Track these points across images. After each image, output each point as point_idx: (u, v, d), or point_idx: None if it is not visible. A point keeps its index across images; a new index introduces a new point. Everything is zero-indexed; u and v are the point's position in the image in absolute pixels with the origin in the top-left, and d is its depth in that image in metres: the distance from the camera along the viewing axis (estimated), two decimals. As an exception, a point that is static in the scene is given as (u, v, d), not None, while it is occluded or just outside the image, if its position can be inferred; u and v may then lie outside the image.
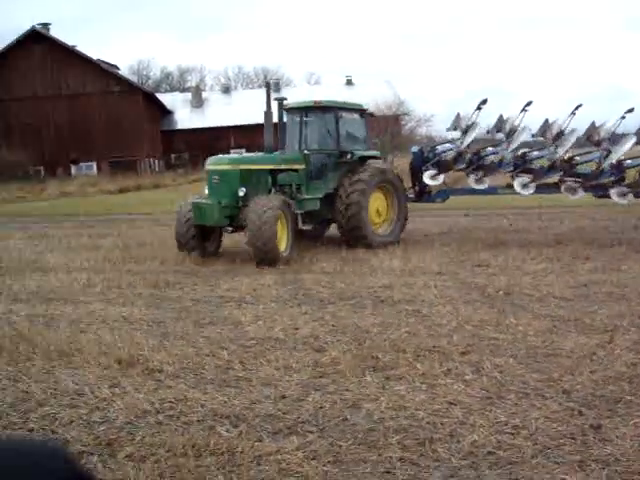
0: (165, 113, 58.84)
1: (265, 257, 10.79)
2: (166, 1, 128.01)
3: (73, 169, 49.46)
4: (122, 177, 42.34)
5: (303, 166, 12.67)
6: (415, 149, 14.80)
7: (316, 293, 8.83)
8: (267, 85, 13.79)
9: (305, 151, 12.91)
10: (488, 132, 13.90)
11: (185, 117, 59.53)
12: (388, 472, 3.90)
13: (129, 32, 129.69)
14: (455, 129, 14.35)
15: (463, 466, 3.94)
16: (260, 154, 12.93)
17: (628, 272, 9.53)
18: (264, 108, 12.77)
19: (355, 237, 12.74)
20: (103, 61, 52.54)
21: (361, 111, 14.28)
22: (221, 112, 56.75)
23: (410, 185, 14.34)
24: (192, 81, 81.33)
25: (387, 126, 37.51)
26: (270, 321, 7.35)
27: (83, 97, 49.51)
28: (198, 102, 61.77)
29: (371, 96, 47.15)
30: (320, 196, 12.75)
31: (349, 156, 13.09)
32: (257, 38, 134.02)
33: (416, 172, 14.26)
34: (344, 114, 13.55)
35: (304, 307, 8.06)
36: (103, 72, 50.69)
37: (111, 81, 50.68)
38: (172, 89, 77.97)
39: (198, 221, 11.60)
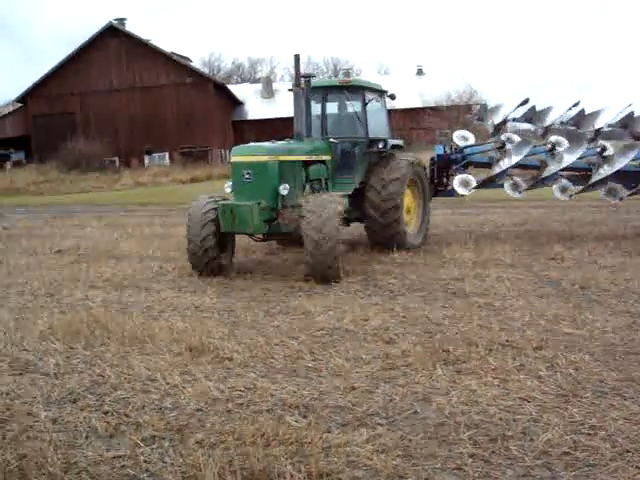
0: (236, 104, 59.54)
1: (325, 274, 8.86)
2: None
3: (146, 159, 50.64)
4: (193, 167, 43.22)
5: (329, 157, 10.73)
6: (440, 150, 13.11)
7: (386, 284, 8.76)
8: (296, 58, 10.38)
9: (331, 139, 10.97)
10: (514, 120, 12.69)
11: (256, 108, 60.08)
12: (459, 468, 3.82)
13: (201, 24, 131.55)
14: (480, 120, 13.36)
15: (537, 466, 3.82)
16: (292, 142, 10.39)
17: None
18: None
19: (391, 236, 10.95)
20: (176, 54, 53.54)
21: (380, 92, 12.12)
22: (291, 102, 56.92)
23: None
24: (262, 72, 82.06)
25: (458, 116, 36.97)
26: (340, 312, 7.32)
27: (156, 89, 50.60)
28: (269, 93, 62.24)
29: (442, 86, 46.65)
30: (350, 192, 10.70)
31: (381, 145, 11.29)
32: (328, 28, 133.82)
33: (437, 170, 13.01)
34: (371, 96, 11.52)
35: (374, 298, 8.01)
36: (176, 64, 51.65)
37: (183, 73, 51.57)
38: (243, 80, 78.82)
39: (229, 228, 9.32)
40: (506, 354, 5.70)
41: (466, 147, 12.93)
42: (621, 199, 11.83)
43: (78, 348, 6.29)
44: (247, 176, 9.31)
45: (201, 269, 9.60)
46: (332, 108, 11.64)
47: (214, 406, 4.80)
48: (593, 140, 11.92)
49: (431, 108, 43.55)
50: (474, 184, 12.17)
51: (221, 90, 55.40)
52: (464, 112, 39.06)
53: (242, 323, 7.04)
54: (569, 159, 11.59)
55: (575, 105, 12.29)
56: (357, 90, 11.35)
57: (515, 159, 11.76)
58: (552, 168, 11.69)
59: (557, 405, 4.63)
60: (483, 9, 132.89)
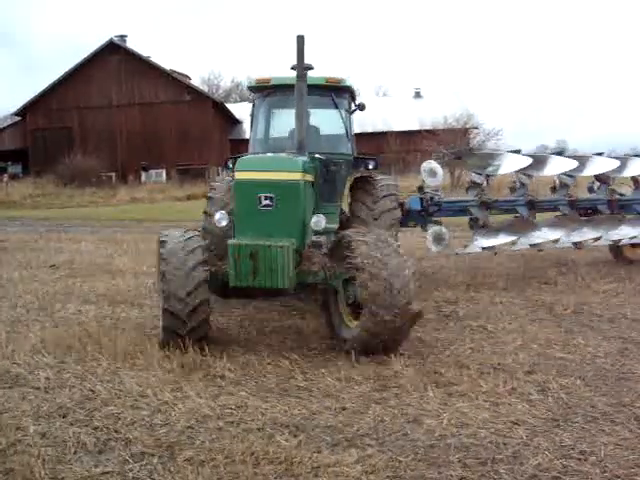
0: (234, 122, 59.76)
1: (392, 343, 6.31)
2: (237, 14, 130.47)
3: (143, 176, 50.71)
4: (190, 185, 43.27)
5: (312, 178, 7.36)
6: (416, 204, 10.56)
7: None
8: (299, 40, 7.07)
9: (317, 155, 7.99)
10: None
11: (254, 127, 60.28)
12: (448, 491, 3.82)
13: (201, 43, 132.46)
14: (459, 158, 11.83)
15: (527, 489, 3.82)
16: (297, 155, 7.06)
17: None
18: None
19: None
20: (175, 71, 53.82)
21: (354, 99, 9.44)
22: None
23: None
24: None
25: (455, 139, 37.18)
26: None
27: (155, 106, 50.84)
28: (267, 112, 62.38)
29: (440, 109, 46.95)
30: (336, 226, 8.22)
31: (371, 165, 9.00)
32: (326, 50, 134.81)
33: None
34: (352, 104, 9.12)
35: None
36: (175, 82, 51.92)
37: (183, 90, 51.84)
38: (242, 99, 79.15)
39: (247, 282, 6.34)
40: (497, 377, 5.70)
41: (447, 202, 11.05)
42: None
43: (69, 362, 6.27)
44: (266, 202, 6.48)
45: (180, 343, 6.32)
46: (316, 114, 9.00)
47: (204, 424, 4.78)
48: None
49: (427, 131, 43.83)
50: (447, 238, 10.41)
51: (219, 108, 55.64)
52: (461, 135, 39.28)
53: (235, 341, 7.03)
54: (549, 235, 10.73)
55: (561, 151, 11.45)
56: (344, 94, 8.85)
57: (511, 239, 10.64)
58: (538, 234, 10.76)
59: (547, 429, 4.63)
60: (482, 33, 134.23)
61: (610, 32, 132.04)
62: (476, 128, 43.46)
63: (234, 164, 8.32)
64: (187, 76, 58.17)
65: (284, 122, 8.64)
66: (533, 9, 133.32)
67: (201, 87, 63.24)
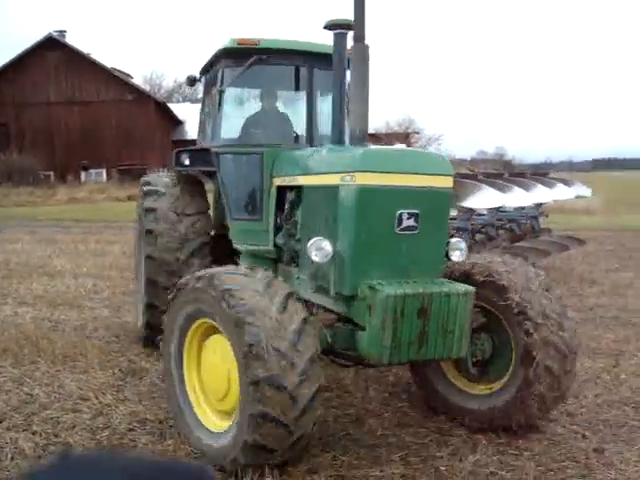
0: (176, 123, 59.14)
1: (556, 396, 4.56)
2: (180, 14, 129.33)
3: (83, 175, 49.68)
4: (131, 185, 42.60)
5: None
6: None
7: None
8: None
9: None
10: None
11: (196, 127, 59.65)
12: (390, 489, 3.89)
13: (144, 42, 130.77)
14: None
15: (465, 485, 3.93)
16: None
17: (634, 297, 9.50)
18: None
19: None
20: (117, 69, 52.92)
21: None
22: (232, 124, 56.77)
23: None
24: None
25: (396, 144, 37.62)
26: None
27: (96, 104, 49.84)
28: (209, 113, 61.89)
29: (381, 113, 47.50)
30: None
31: None
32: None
33: None
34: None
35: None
36: (117, 80, 51.00)
37: (124, 89, 50.98)
38: (184, 99, 78.43)
39: (410, 355, 4.06)
40: (438, 377, 5.82)
41: None
42: None
43: (6, 366, 6.12)
44: (409, 222, 4.25)
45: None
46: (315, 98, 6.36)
47: (146, 426, 4.75)
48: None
49: (370, 135, 44.30)
50: None
51: (162, 108, 54.96)
52: (402, 140, 39.78)
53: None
54: None
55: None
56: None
57: None
58: None
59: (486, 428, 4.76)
60: (422, 39, 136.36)
61: (551, 42, 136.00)
62: (417, 133, 44.10)
63: (191, 159, 6.68)
64: (129, 75, 57.29)
65: (275, 104, 6.42)
66: (476, 17, 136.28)
67: (143, 86, 62.31)
